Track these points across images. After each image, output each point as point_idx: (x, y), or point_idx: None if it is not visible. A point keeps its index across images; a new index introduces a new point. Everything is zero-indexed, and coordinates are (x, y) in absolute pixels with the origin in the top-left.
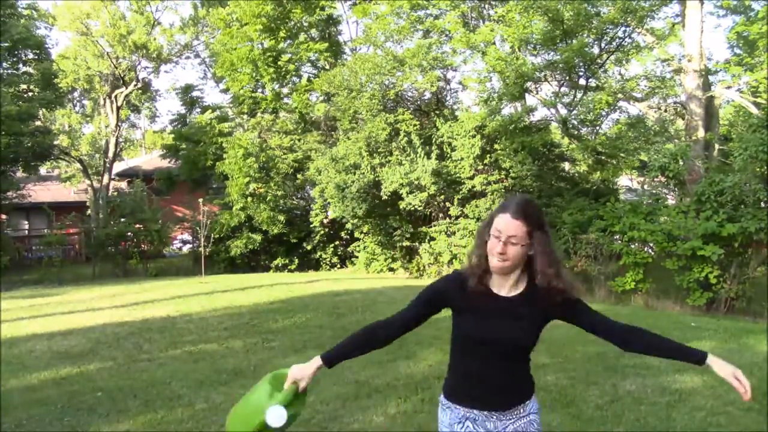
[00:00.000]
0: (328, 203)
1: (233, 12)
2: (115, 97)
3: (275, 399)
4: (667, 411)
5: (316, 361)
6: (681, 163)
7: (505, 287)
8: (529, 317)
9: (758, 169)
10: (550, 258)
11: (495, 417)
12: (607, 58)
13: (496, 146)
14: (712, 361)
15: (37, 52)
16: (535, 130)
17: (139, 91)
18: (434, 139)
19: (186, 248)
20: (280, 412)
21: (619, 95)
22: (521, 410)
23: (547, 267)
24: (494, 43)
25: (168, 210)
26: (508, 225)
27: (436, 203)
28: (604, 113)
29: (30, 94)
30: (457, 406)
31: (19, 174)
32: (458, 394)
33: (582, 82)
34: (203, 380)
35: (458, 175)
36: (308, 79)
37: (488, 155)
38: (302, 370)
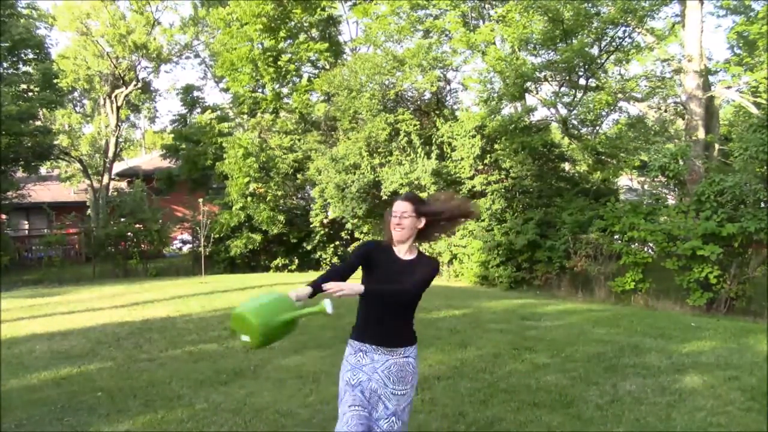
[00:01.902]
0: (328, 203)
1: (233, 12)
2: (115, 97)
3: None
4: (667, 411)
5: (308, 289)
6: (681, 163)
7: (401, 253)
8: (420, 276)
9: (758, 169)
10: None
11: (381, 351)
12: (607, 58)
13: (496, 146)
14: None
15: (37, 52)
16: (535, 130)
17: (139, 91)
18: (434, 139)
19: (186, 248)
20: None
21: (619, 95)
22: (402, 352)
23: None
24: (494, 43)
25: (168, 210)
26: (399, 205)
27: None
28: (604, 113)
29: (30, 94)
30: (355, 342)
31: (19, 174)
32: (358, 333)
33: (582, 82)
34: (203, 380)
35: (458, 175)
36: (308, 79)
37: (488, 155)
38: (299, 294)
